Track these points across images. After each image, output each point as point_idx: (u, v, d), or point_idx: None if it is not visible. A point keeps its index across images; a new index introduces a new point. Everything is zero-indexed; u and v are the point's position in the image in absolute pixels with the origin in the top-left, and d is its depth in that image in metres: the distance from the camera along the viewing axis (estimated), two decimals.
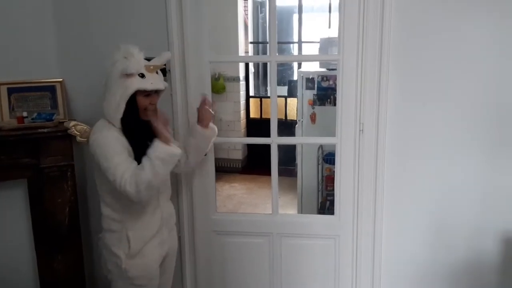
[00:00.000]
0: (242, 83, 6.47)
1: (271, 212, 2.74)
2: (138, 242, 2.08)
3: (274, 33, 2.52)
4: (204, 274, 2.80)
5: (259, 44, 6.97)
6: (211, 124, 2.32)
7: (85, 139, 2.13)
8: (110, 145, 1.96)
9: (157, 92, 2.09)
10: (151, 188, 1.95)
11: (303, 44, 6.69)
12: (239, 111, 6.39)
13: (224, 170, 6.14)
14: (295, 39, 6.80)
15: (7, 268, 2.67)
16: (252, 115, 6.70)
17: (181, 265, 2.75)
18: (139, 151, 1.99)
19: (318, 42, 4.57)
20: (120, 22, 2.56)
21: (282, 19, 6.88)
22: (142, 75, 2.01)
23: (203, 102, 2.30)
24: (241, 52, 6.31)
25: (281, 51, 6.63)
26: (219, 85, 6.06)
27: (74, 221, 2.59)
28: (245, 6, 6.40)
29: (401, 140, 2.46)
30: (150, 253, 2.13)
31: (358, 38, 2.43)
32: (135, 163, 1.95)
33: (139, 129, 2.04)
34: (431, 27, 2.34)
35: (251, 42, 6.65)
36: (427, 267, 2.56)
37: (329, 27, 6.02)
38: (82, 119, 2.61)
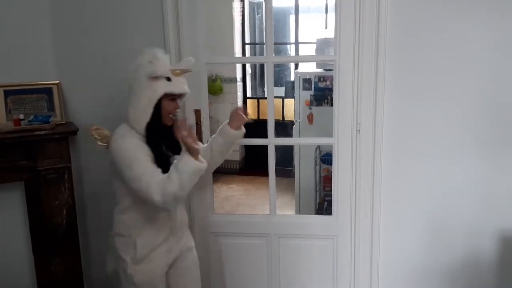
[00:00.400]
0: (239, 84, 6.47)
1: (268, 213, 2.74)
2: (144, 248, 2.06)
3: (270, 34, 2.53)
4: (202, 275, 2.78)
5: (256, 45, 6.97)
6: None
7: (106, 144, 2.09)
8: (134, 154, 1.92)
9: (179, 97, 2.06)
10: (177, 200, 1.93)
11: (300, 45, 6.69)
12: None
13: (222, 171, 6.11)
14: (292, 40, 6.80)
15: (5, 271, 2.66)
16: (249, 116, 6.69)
17: None
18: (161, 158, 1.97)
19: (315, 43, 4.58)
20: (117, 23, 2.56)
21: (279, 20, 6.87)
22: (168, 79, 1.98)
23: (239, 108, 2.31)
24: (238, 53, 6.31)
25: (277, 52, 6.63)
26: (216, 86, 6.06)
27: (71, 223, 2.58)
28: (241, 7, 6.39)
29: (398, 140, 2.47)
30: (157, 260, 2.11)
31: (354, 38, 2.43)
32: (159, 171, 1.92)
33: (164, 135, 2.01)
34: (429, 26, 2.34)
35: (247, 43, 6.65)
36: (425, 266, 2.57)
37: (326, 27, 6.04)
38: (79, 121, 2.61)
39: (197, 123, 2.56)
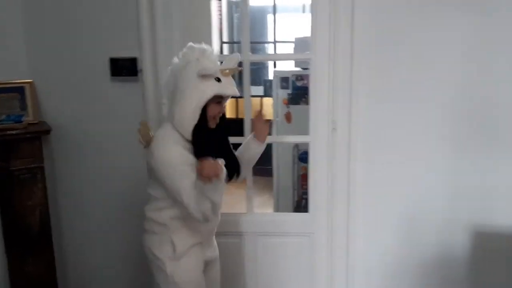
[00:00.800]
0: None
1: (246, 211, 2.74)
2: (183, 245, 1.97)
3: (247, 32, 2.53)
4: None
5: (234, 44, 6.96)
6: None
7: (145, 143, 1.94)
8: (177, 166, 1.82)
9: (224, 99, 1.96)
10: (216, 209, 1.86)
11: (279, 44, 6.71)
12: None
13: None
14: (271, 39, 6.82)
15: None
16: (228, 115, 6.65)
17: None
18: None
19: (293, 42, 4.60)
20: (91, 21, 2.53)
21: (258, 19, 6.89)
22: (218, 79, 1.87)
23: (259, 116, 2.18)
24: (215, 52, 6.28)
25: (256, 51, 6.63)
26: None
27: (45, 223, 2.55)
28: (219, 6, 6.39)
29: (373, 138, 2.50)
30: (195, 257, 2.04)
31: (329, 38, 2.45)
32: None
33: (209, 139, 1.92)
34: (403, 29, 2.38)
35: (225, 42, 6.64)
36: (400, 262, 2.60)
37: (304, 27, 6.06)
38: (52, 120, 2.58)
39: None
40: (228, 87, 1.91)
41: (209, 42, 6.17)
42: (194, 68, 1.85)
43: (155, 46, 2.52)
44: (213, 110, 1.91)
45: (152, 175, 1.95)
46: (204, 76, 1.84)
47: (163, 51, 2.52)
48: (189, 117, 1.86)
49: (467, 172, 2.46)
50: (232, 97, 2.03)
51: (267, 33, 6.89)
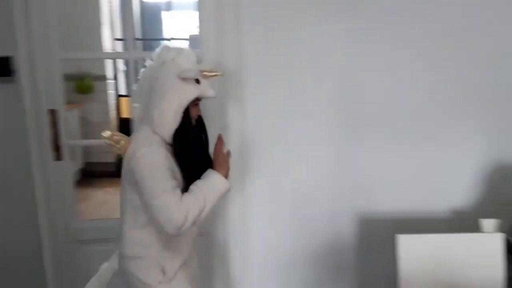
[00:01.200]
0: (112, 82, 6.19)
1: None
2: (172, 267, 1.84)
3: (130, 29, 2.45)
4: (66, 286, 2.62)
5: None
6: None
7: (122, 150, 1.83)
8: (161, 168, 1.70)
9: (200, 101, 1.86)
10: (196, 223, 1.72)
11: (177, 41, 6.60)
12: (109, 112, 6.12)
13: (95, 174, 5.76)
14: (168, 36, 6.70)
15: None
16: (123, 115, 6.43)
17: (45, 282, 2.57)
18: (190, 169, 1.80)
19: (188, 39, 4.58)
20: None
21: (153, 16, 6.74)
22: (197, 81, 1.78)
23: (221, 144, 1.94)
24: (108, 50, 6.04)
25: (151, 48, 6.47)
26: (85, 85, 5.71)
27: None
28: (109, 2, 6.12)
29: (264, 134, 2.54)
30: (185, 277, 1.91)
31: (217, 35, 2.45)
32: (179, 190, 1.72)
33: (193, 144, 1.82)
34: (289, 24, 2.42)
35: (116, 39, 6.39)
36: (293, 254, 2.67)
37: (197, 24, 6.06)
38: None
39: (53, 125, 2.39)
40: (208, 88, 1.85)
41: (98, 38, 5.99)
42: (172, 69, 1.76)
43: (32, 44, 2.35)
44: (192, 112, 1.84)
45: (132, 184, 1.79)
46: (184, 79, 1.76)
47: (40, 50, 2.36)
48: (170, 120, 1.76)
49: (351, 164, 2.57)
50: (198, 100, 1.89)
51: (162, 30, 6.77)
